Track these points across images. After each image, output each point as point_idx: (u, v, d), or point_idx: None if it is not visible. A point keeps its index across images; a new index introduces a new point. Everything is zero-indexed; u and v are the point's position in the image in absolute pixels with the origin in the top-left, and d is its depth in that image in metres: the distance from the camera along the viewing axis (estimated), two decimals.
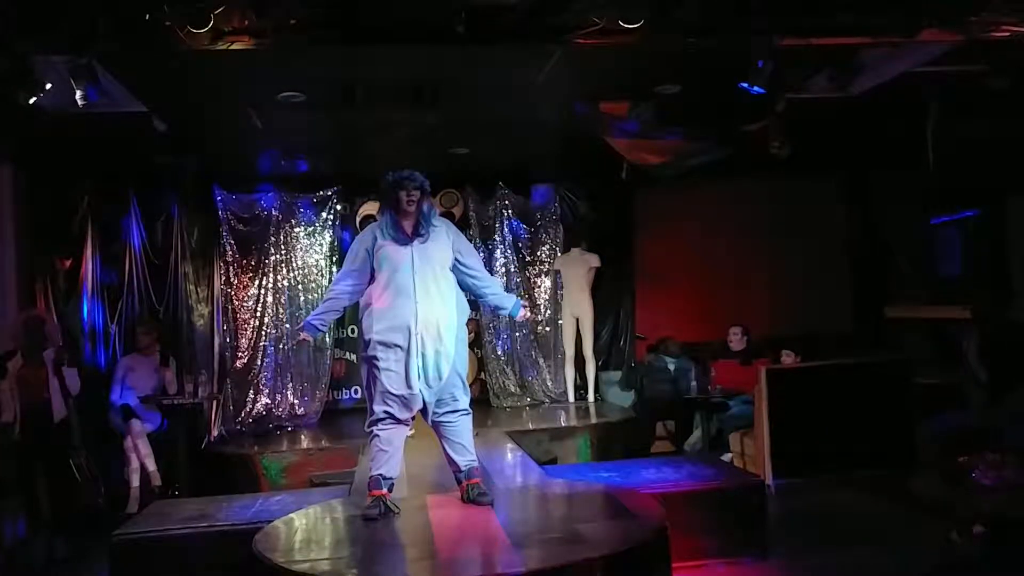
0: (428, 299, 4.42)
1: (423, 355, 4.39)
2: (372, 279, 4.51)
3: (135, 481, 7.30)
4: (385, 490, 4.47)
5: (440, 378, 4.45)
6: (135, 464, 7.32)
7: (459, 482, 4.65)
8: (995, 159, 7.53)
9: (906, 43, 5.43)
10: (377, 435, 4.51)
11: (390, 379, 4.41)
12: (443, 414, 4.54)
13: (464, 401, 4.60)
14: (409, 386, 4.39)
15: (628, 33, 4.95)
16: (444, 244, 4.54)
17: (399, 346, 4.39)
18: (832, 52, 5.59)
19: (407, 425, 4.58)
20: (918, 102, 7.10)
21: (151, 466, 7.38)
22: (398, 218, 4.46)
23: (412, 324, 4.37)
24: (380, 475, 4.48)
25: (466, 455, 4.60)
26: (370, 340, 4.43)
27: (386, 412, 4.46)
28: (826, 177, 10.05)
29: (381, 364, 4.41)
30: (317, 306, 5.20)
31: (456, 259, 4.60)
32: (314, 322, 4.62)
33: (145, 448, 7.35)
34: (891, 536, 5.70)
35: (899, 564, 5.12)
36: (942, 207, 9.16)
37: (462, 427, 4.60)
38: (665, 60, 5.90)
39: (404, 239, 4.45)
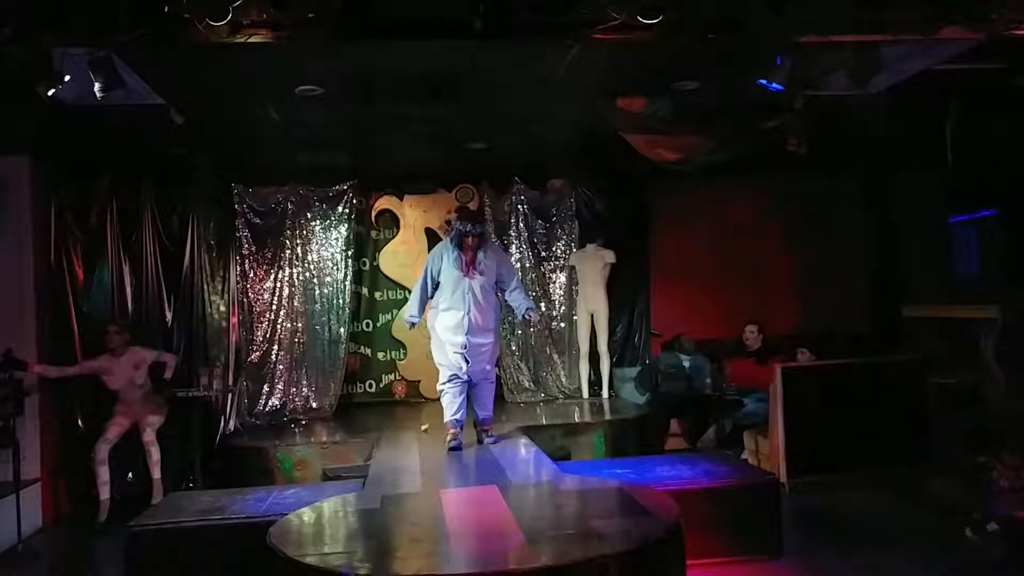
0: (477, 311, 6.42)
1: (472, 347, 6.46)
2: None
3: (156, 473, 7.31)
4: (458, 429, 6.56)
5: (482, 361, 6.55)
6: (156, 457, 7.32)
7: (475, 426, 6.81)
8: (1014, 158, 7.46)
9: (926, 40, 5.38)
10: (448, 391, 6.59)
11: (453, 359, 6.50)
12: (477, 381, 6.63)
13: (492, 375, 6.82)
14: (462, 366, 6.51)
15: (646, 29, 4.92)
16: (492, 273, 6.50)
17: (457, 340, 6.45)
18: (852, 49, 5.54)
19: (465, 383, 6.58)
20: (938, 100, 7.04)
21: (156, 474, 7.30)
22: (461, 253, 6.42)
23: (465, 327, 6.41)
24: (455, 419, 6.56)
25: (484, 411, 6.76)
26: (440, 333, 6.55)
27: (451, 376, 6.57)
28: (844, 175, 9.97)
29: (448, 349, 6.51)
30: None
31: (498, 279, 6.59)
32: (416, 316, 6.71)
33: (156, 453, 7.31)
34: (906, 536, 5.67)
35: (915, 564, 5.10)
36: (960, 206, 9.10)
37: (486, 391, 6.74)
38: (683, 56, 5.87)
39: (464, 269, 6.41)
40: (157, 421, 7.41)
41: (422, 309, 6.68)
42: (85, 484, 7.42)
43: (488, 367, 6.68)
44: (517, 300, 6.66)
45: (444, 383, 6.63)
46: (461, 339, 6.44)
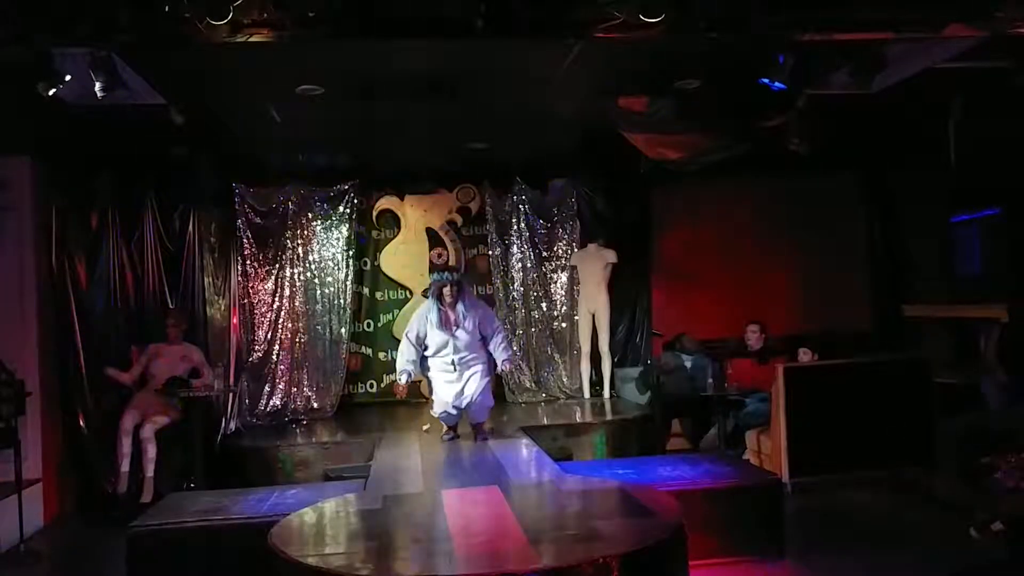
0: (462, 363, 6.77)
1: (463, 396, 6.82)
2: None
3: (149, 471, 7.31)
4: (449, 427, 7.10)
5: (470, 398, 6.82)
6: (151, 455, 7.32)
7: (471, 426, 7.10)
8: (1016, 157, 7.44)
9: (930, 39, 5.36)
10: (442, 418, 7.06)
11: (445, 393, 6.85)
12: (466, 406, 6.90)
13: (486, 403, 6.97)
14: (453, 405, 6.90)
15: (649, 27, 4.90)
16: (473, 326, 6.71)
17: (449, 391, 6.84)
18: (854, 48, 5.52)
19: (457, 413, 6.99)
20: (940, 99, 7.02)
21: (149, 472, 7.31)
22: (443, 309, 6.66)
23: (454, 376, 6.80)
24: (450, 425, 7.09)
25: (478, 420, 7.00)
26: (432, 376, 7.00)
27: (442, 412, 6.98)
28: (846, 174, 9.97)
29: (437, 389, 6.97)
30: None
31: (482, 334, 6.80)
32: (408, 368, 6.86)
33: (152, 451, 7.32)
34: (909, 536, 5.67)
35: (917, 564, 5.08)
36: (962, 205, 9.07)
37: (481, 412, 6.99)
38: (685, 55, 5.86)
39: (447, 330, 6.68)
40: (162, 421, 7.42)
41: (415, 365, 6.89)
42: (87, 483, 7.45)
43: (479, 406, 6.91)
44: (497, 353, 6.85)
45: (439, 413, 7.06)
46: (452, 391, 6.81)
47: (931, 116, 7.33)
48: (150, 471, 7.32)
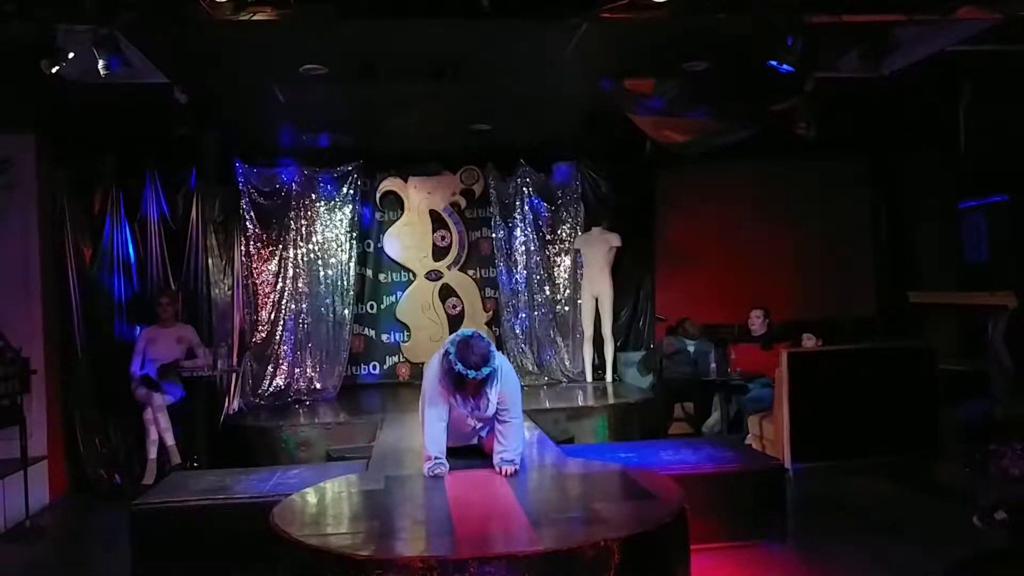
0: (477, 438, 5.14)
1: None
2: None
3: (152, 453, 7.36)
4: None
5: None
6: (153, 436, 7.37)
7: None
8: None
9: (940, 21, 5.31)
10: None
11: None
12: None
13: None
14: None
15: (656, 8, 4.86)
16: (493, 406, 4.88)
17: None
18: (864, 30, 5.47)
19: None
20: (951, 83, 6.96)
21: (169, 440, 7.41)
22: (466, 395, 4.80)
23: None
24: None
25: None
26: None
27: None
28: (852, 159, 9.93)
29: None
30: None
31: (498, 406, 4.91)
32: (443, 459, 4.89)
33: (165, 422, 7.38)
34: (911, 523, 5.66)
35: (919, 551, 5.07)
36: (970, 192, 9.03)
37: None
38: (693, 36, 5.80)
39: (468, 409, 4.87)
40: (161, 401, 7.43)
41: (444, 446, 4.92)
42: (92, 461, 7.49)
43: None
44: (504, 440, 4.90)
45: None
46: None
47: (940, 100, 7.27)
48: (169, 440, 7.41)
